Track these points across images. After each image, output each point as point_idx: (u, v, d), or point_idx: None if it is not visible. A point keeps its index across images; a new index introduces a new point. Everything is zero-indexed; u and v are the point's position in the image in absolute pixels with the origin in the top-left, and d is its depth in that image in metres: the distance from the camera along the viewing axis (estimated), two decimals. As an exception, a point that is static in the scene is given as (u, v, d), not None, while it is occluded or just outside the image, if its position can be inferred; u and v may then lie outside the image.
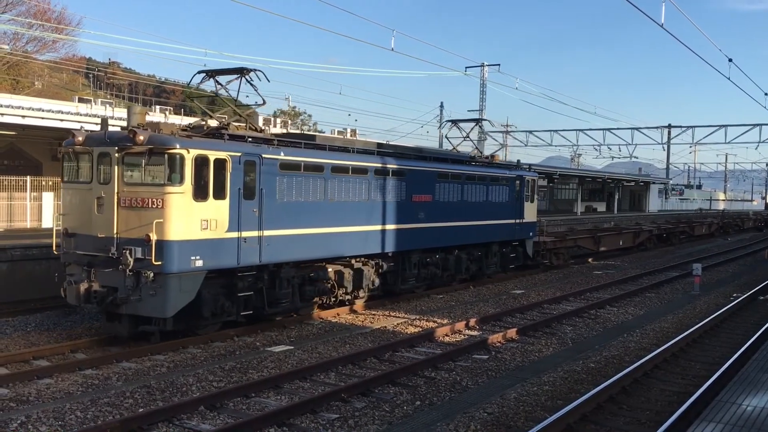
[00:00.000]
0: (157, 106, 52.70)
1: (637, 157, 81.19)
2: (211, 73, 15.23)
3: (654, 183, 79.90)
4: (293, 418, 9.47)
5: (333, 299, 17.10)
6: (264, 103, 16.28)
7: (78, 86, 70.32)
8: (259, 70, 14.83)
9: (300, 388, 10.99)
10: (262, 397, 10.49)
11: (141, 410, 9.61)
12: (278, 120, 55.38)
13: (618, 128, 70.73)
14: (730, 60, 24.74)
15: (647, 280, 25.42)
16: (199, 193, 12.84)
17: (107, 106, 38.50)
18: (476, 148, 24.54)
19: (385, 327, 15.97)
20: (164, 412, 9.37)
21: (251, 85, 14.99)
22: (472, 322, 16.25)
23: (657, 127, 72.17)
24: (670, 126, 73.60)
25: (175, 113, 48.38)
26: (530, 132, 72.50)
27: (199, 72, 15.29)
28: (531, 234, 25.43)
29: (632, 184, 76.23)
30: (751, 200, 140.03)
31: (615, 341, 15.02)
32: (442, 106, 69.49)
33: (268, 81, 15.11)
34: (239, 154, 13.59)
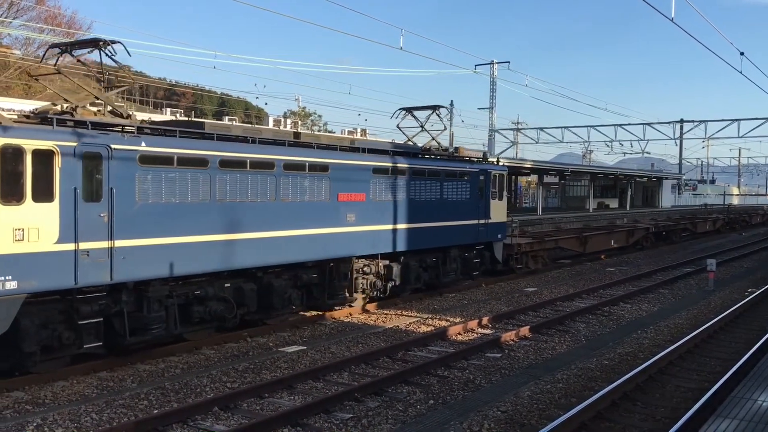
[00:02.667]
0: (168, 109, 52.96)
1: (649, 153, 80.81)
2: (67, 47, 12.87)
3: (667, 179, 79.46)
4: (307, 418, 9.49)
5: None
6: (133, 82, 14.19)
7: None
8: (118, 42, 12.55)
9: (313, 388, 11.02)
10: (276, 397, 10.52)
11: (156, 411, 9.68)
12: (289, 120, 55.49)
13: (629, 124, 70.47)
14: (742, 53, 24.51)
15: (661, 276, 25.26)
16: (10, 194, 10.22)
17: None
18: (433, 138, 21.13)
19: (398, 326, 15.97)
20: (179, 413, 9.43)
21: (111, 59, 12.71)
22: (485, 320, 16.22)
23: (669, 122, 71.78)
24: (682, 121, 73.16)
25: (186, 115, 48.59)
26: (541, 129, 72.33)
27: (52, 46, 13.20)
28: (500, 236, 22.55)
29: (645, 180, 75.84)
30: (766, 194, 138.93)
31: (629, 338, 14.94)
32: (452, 104, 69.23)
33: (129, 55, 13.74)
34: (74, 143, 10.94)
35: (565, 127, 70.26)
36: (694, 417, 8.93)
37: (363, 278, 17.48)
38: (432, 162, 19.65)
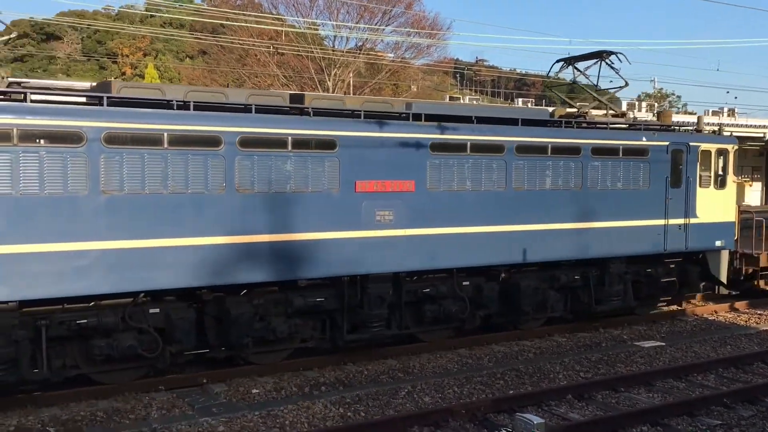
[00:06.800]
0: (519, 99, 54.28)
1: None
2: None
3: None
4: (668, 418, 8.92)
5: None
6: None
7: (447, 86, 75.95)
8: None
9: (674, 388, 10.32)
10: (632, 392, 10.09)
11: (511, 392, 10.02)
12: (644, 104, 52.60)
13: None
14: None
15: None
16: None
17: (473, 102, 40.85)
18: (597, 99, 15.64)
19: (775, 329, 14.09)
20: (532, 396, 9.63)
21: None
22: None
23: None
24: None
25: (536, 104, 49.23)
26: None
27: None
28: (718, 243, 15.10)
29: None
30: None
31: None
32: None
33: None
34: None
35: None
36: None
37: (433, 304, 12.12)
38: (560, 133, 13.28)
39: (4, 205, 8.72)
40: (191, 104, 10.03)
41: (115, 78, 55.49)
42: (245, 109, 10.50)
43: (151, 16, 62.06)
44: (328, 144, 10.87)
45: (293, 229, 10.55)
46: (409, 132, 11.58)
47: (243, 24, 36.57)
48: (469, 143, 12.10)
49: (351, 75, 41.50)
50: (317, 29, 41.88)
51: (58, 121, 9.12)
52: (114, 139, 9.37)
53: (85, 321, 9.49)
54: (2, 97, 9.16)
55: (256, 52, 39.98)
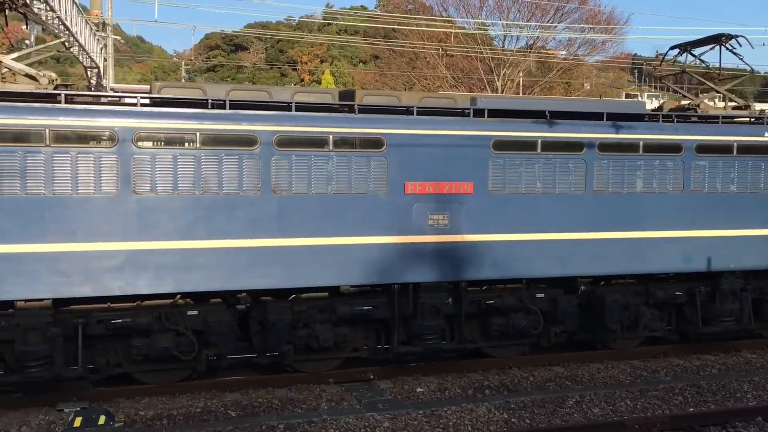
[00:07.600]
0: (704, 93, 50.39)
1: None
2: None
3: None
4: None
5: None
6: None
7: (624, 83, 72.39)
8: None
9: None
10: (836, 420, 9.03)
11: (691, 409, 9.35)
12: None
13: None
14: None
15: None
16: None
17: (653, 99, 38.61)
18: (717, 90, 13.90)
19: None
20: (717, 415, 8.97)
21: None
22: None
23: None
24: None
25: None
26: None
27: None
28: None
29: None
30: None
31: None
32: None
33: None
34: None
35: None
36: None
37: (506, 319, 11.05)
38: (644, 129, 11.60)
39: (37, 205, 8.86)
40: (227, 103, 9.67)
41: (294, 84, 58.76)
42: (286, 107, 10.01)
43: (328, 24, 65.03)
44: (374, 143, 10.19)
45: (335, 233, 9.99)
46: (467, 129, 10.63)
47: (414, 28, 37.23)
48: (539, 140, 10.94)
49: (521, 74, 40.80)
50: (487, 29, 41.63)
51: (89, 121, 9.11)
52: (146, 139, 9.31)
53: (121, 321, 9.48)
54: (40, 99, 9.22)
55: (425, 54, 40.51)
